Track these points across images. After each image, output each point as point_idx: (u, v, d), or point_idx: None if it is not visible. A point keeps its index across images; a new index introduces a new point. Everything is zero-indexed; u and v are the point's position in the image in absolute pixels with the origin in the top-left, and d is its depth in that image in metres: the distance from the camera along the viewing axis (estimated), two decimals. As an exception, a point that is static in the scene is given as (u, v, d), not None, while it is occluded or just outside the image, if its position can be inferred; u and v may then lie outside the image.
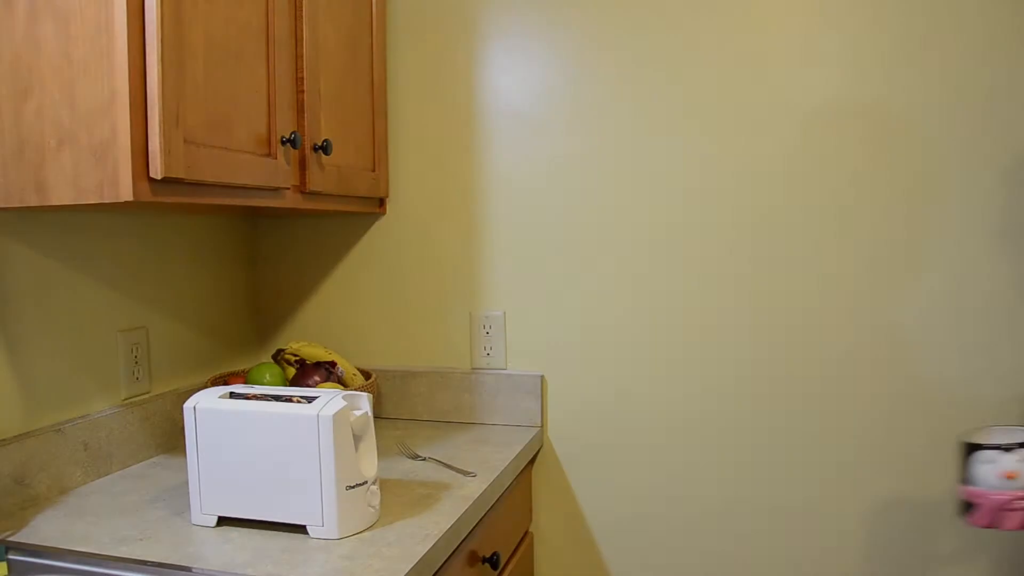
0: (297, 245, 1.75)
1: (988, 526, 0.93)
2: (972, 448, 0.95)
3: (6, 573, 0.98)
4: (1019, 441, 0.94)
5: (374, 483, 1.06)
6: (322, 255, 1.74)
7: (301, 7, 1.29)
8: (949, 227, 1.36)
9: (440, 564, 1.04)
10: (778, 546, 1.49)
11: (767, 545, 1.49)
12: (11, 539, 1.03)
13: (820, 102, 1.41)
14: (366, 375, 1.58)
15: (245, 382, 1.46)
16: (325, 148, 1.32)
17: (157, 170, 0.96)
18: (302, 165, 1.31)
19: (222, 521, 1.06)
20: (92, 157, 0.96)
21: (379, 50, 1.58)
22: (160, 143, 0.95)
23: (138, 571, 0.95)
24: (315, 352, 1.54)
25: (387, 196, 1.66)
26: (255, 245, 1.78)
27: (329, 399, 1.04)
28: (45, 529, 1.07)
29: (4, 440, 1.13)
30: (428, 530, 1.04)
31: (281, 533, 1.03)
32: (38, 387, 1.20)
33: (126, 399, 1.37)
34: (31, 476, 1.16)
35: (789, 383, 1.46)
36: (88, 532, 1.05)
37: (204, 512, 1.06)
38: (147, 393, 1.41)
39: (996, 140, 1.33)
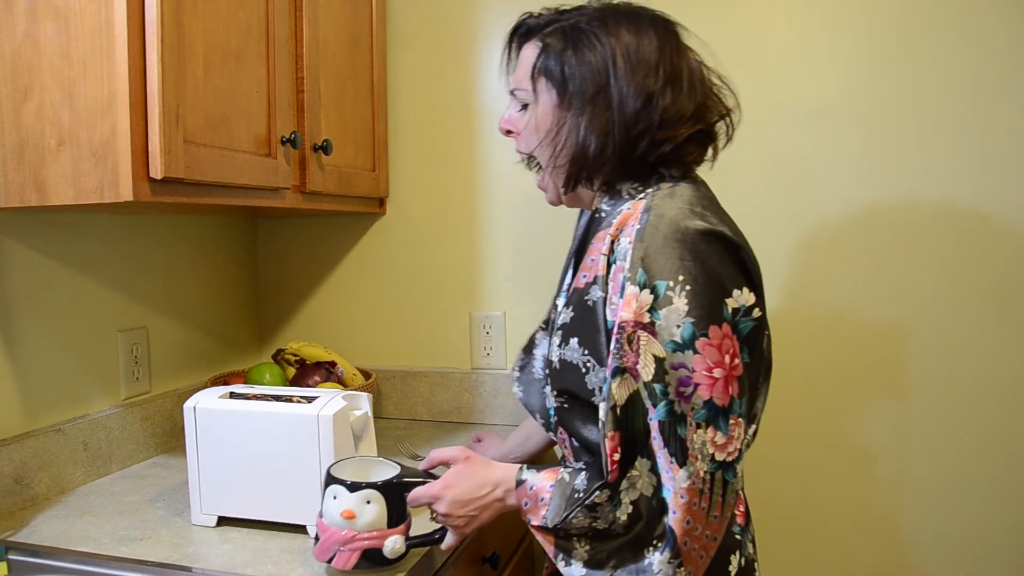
0: (297, 245, 1.75)
1: (327, 562, 0.88)
2: (329, 479, 0.90)
3: (6, 573, 0.98)
4: (367, 481, 0.89)
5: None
6: (322, 255, 1.74)
7: (301, 7, 1.29)
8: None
9: (440, 564, 1.04)
10: (790, 548, 1.49)
11: (768, 547, 1.49)
12: (11, 539, 1.03)
13: (817, 103, 1.41)
14: (366, 375, 1.58)
15: (245, 382, 1.46)
16: (325, 148, 1.32)
17: (157, 170, 0.96)
18: (302, 165, 1.31)
19: (222, 521, 1.06)
20: (92, 157, 0.96)
21: (379, 50, 1.58)
22: (160, 143, 0.95)
23: (138, 571, 0.95)
24: (315, 352, 1.54)
25: (387, 196, 1.66)
26: (255, 245, 1.78)
27: (329, 399, 1.04)
28: (45, 529, 1.07)
29: (4, 440, 1.13)
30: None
31: (281, 533, 1.03)
32: (38, 387, 1.20)
33: (126, 399, 1.37)
34: (31, 476, 1.16)
35: (810, 385, 1.46)
36: (88, 532, 1.05)
37: (204, 512, 1.06)
38: (147, 393, 1.41)
39: (990, 141, 1.33)
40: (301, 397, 1.06)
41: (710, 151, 0.94)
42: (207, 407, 1.05)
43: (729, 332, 0.79)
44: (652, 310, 0.78)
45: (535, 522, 0.85)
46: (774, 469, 1.48)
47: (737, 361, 0.79)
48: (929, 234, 1.37)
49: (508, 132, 0.97)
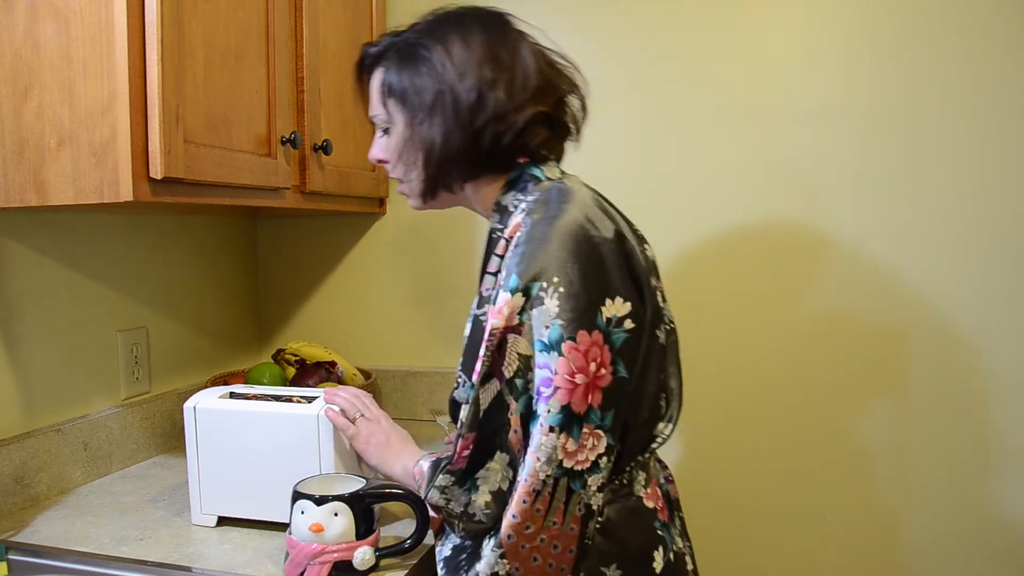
0: (297, 245, 1.75)
1: None
2: (296, 496, 0.92)
3: (6, 573, 0.98)
4: (333, 494, 0.91)
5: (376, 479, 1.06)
6: (322, 255, 1.73)
7: (301, 7, 1.29)
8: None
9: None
10: (790, 548, 1.49)
11: (768, 548, 1.49)
12: (11, 539, 1.03)
13: (816, 103, 1.41)
14: (366, 375, 1.58)
15: (245, 382, 1.46)
16: (325, 148, 1.32)
17: (157, 170, 0.96)
18: (302, 165, 1.31)
19: (222, 521, 1.06)
20: (92, 157, 0.96)
21: (379, 50, 1.58)
22: (160, 143, 0.95)
23: (138, 571, 0.95)
24: (315, 352, 1.54)
25: (387, 196, 1.66)
26: (255, 245, 1.78)
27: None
28: (45, 529, 1.07)
29: (4, 440, 1.13)
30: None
31: (281, 533, 1.03)
32: (38, 387, 1.20)
33: (126, 399, 1.37)
34: (31, 476, 1.16)
35: (810, 386, 1.46)
36: (88, 532, 1.05)
37: (204, 512, 1.06)
38: (147, 393, 1.41)
39: (990, 141, 1.33)
40: (301, 397, 1.06)
41: (573, 132, 0.99)
42: (207, 407, 1.05)
43: (600, 340, 0.78)
44: (523, 311, 0.79)
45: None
46: (774, 470, 1.48)
47: (604, 372, 0.78)
48: (929, 234, 1.37)
49: (380, 161, 1.01)
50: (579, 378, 0.77)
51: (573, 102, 0.96)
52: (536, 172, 0.92)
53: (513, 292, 0.79)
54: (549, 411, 0.77)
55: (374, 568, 0.92)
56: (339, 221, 1.71)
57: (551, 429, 0.77)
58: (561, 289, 0.78)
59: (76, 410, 1.27)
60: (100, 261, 1.32)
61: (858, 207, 1.40)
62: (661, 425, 0.90)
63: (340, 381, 1.48)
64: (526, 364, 0.79)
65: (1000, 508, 1.37)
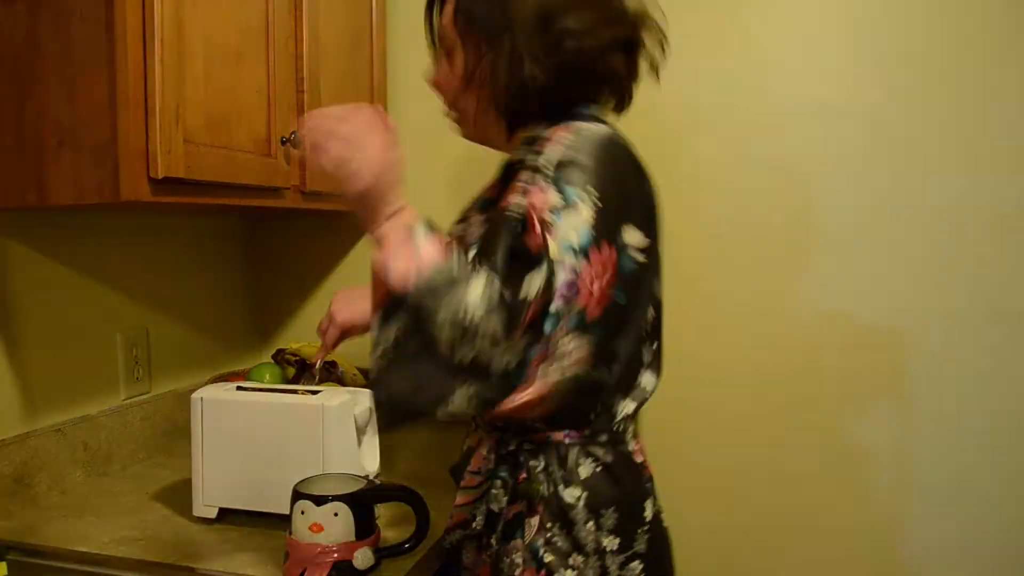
0: (297, 245, 1.75)
1: None
2: (296, 496, 0.91)
3: (6, 573, 0.98)
4: (332, 494, 0.90)
5: (376, 479, 1.06)
6: (322, 255, 1.73)
7: (301, 7, 1.29)
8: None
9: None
10: (790, 549, 1.49)
11: (769, 549, 1.49)
12: (11, 539, 1.03)
13: (817, 104, 1.41)
14: (366, 375, 1.58)
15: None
16: (325, 148, 1.32)
17: (157, 170, 0.96)
18: (302, 165, 1.31)
19: (223, 513, 1.06)
20: (92, 157, 0.96)
21: (379, 50, 1.58)
22: (160, 143, 0.95)
23: (138, 571, 0.95)
24: (315, 352, 1.53)
25: (387, 196, 1.65)
26: (255, 245, 1.78)
27: (333, 392, 1.05)
28: (45, 529, 1.07)
29: (4, 440, 1.13)
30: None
31: (282, 526, 1.02)
32: (38, 387, 1.20)
33: (126, 399, 1.37)
34: (31, 476, 1.16)
35: (810, 386, 1.46)
36: (88, 532, 1.05)
37: (205, 504, 1.06)
38: (147, 393, 1.41)
39: (990, 141, 1.33)
40: (305, 391, 1.07)
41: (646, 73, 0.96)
42: (213, 397, 1.05)
43: (614, 258, 0.80)
44: (555, 211, 0.77)
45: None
46: (773, 470, 1.48)
47: (609, 290, 0.79)
48: (929, 234, 1.37)
49: (435, 86, 0.99)
50: (595, 286, 0.78)
51: (650, 42, 0.93)
52: (584, 110, 0.91)
53: (554, 184, 0.78)
54: (571, 313, 0.77)
55: (374, 568, 0.92)
56: (339, 221, 1.71)
57: (567, 332, 0.78)
58: (598, 203, 0.78)
59: (76, 410, 1.26)
60: (100, 261, 1.32)
61: (859, 207, 1.40)
62: (646, 377, 0.90)
63: (340, 382, 1.48)
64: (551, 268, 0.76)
65: (1002, 510, 1.37)
